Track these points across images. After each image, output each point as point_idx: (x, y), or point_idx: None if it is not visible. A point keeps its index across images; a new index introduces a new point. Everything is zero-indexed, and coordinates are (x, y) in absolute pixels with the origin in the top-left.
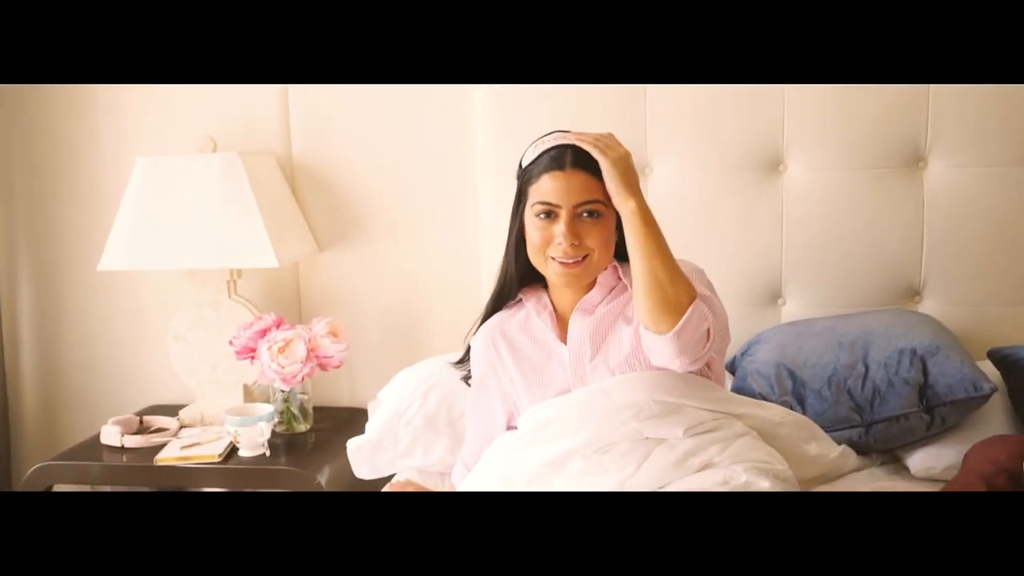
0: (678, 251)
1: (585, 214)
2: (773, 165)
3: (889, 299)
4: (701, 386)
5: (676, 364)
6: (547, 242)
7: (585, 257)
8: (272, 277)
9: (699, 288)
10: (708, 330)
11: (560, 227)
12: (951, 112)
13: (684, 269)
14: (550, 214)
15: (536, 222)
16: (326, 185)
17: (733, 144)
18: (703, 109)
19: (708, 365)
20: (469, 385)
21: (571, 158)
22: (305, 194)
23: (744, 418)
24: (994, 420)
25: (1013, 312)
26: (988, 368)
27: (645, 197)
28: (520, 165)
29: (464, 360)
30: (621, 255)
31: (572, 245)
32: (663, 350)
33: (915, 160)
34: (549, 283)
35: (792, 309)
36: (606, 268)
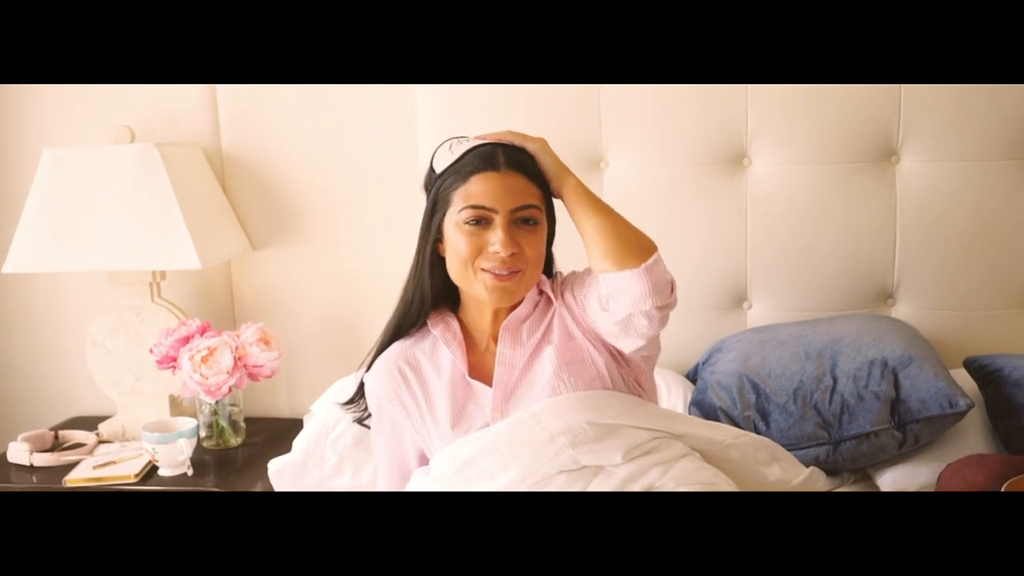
0: None
1: (521, 221)
2: (737, 159)
3: (861, 303)
4: (636, 404)
5: (648, 304)
6: (478, 252)
7: (519, 271)
8: (201, 278)
9: None
10: (671, 283)
11: (497, 234)
12: (925, 104)
13: None
14: (481, 220)
15: (464, 229)
16: (260, 179)
17: (694, 136)
18: (663, 99)
19: (638, 381)
20: (366, 426)
21: (504, 158)
22: (237, 189)
23: (685, 438)
24: (970, 436)
25: (990, 316)
26: (963, 378)
27: (600, 192)
28: (431, 170)
29: (356, 399)
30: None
31: (512, 255)
32: (633, 288)
33: (887, 155)
34: (466, 304)
35: (758, 313)
36: (535, 283)
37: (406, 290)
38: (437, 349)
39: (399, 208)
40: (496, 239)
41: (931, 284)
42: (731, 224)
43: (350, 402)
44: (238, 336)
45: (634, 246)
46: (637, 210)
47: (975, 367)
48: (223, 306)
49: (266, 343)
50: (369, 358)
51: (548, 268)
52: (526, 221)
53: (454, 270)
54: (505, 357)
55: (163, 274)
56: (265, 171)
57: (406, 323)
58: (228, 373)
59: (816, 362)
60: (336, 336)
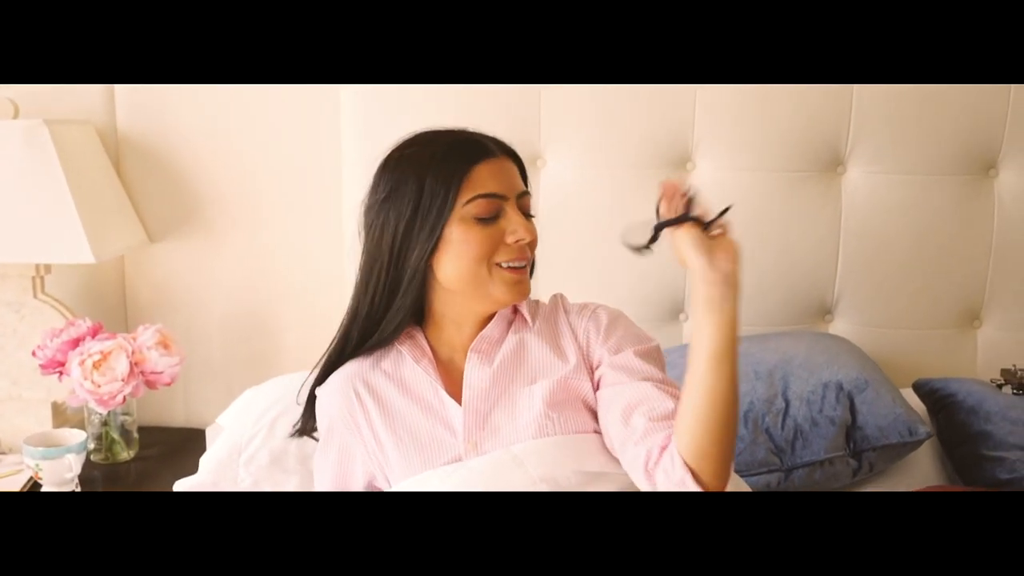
0: (571, 254)
1: (524, 210)
2: (681, 163)
3: (798, 318)
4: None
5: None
6: (495, 247)
7: (528, 263)
8: (90, 273)
9: (659, 372)
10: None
11: (514, 220)
12: (875, 114)
13: (640, 347)
14: (494, 212)
15: (475, 225)
16: (159, 163)
17: (637, 137)
18: (607, 96)
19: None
20: (314, 439)
21: (496, 146)
22: (133, 174)
23: None
24: (922, 465)
25: (931, 335)
26: (912, 401)
27: (536, 192)
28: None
29: (305, 428)
30: None
31: (532, 242)
32: (672, 479)
33: (834, 164)
34: (439, 319)
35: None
36: None
37: (373, 307)
38: (402, 365)
39: (318, 202)
40: (515, 226)
41: (871, 300)
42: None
43: (299, 432)
44: (135, 339)
45: (729, 456)
46: (574, 213)
47: (926, 391)
48: (114, 304)
49: (166, 347)
50: (317, 370)
51: None
52: (526, 211)
53: (460, 274)
54: (473, 380)
55: (47, 267)
56: (165, 154)
57: (371, 343)
58: (123, 380)
59: (767, 383)
60: (239, 340)
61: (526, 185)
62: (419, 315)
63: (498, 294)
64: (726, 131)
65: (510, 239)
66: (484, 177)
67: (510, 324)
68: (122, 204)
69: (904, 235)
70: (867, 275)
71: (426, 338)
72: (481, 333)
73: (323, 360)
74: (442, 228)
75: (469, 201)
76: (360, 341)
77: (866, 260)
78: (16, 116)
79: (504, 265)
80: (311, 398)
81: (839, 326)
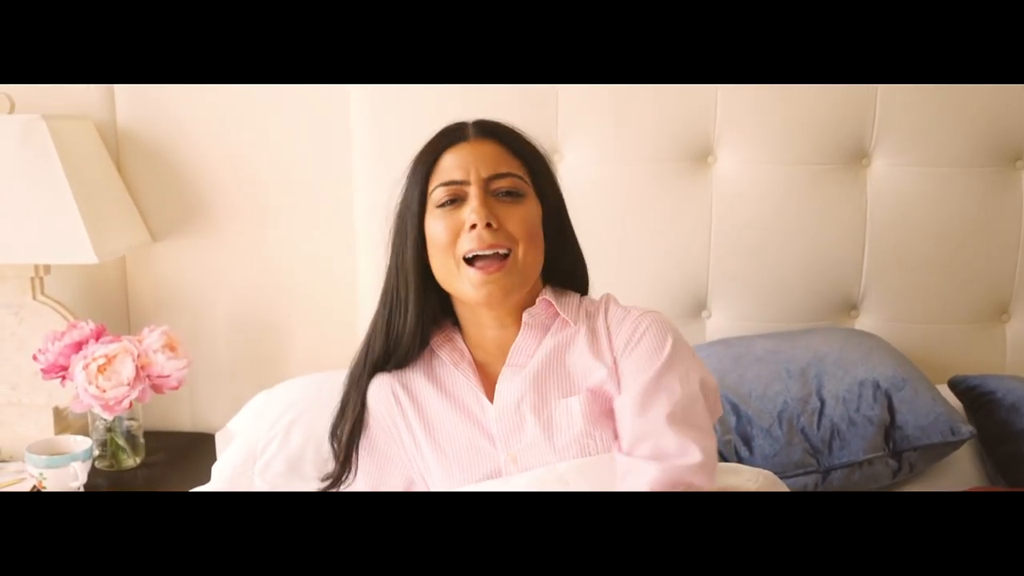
0: (588, 251)
1: (502, 193)
2: (701, 156)
3: (823, 313)
4: None
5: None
6: (455, 235)
7: (508, 254)
8: (91, 273)
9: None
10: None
11: (471, 204)
12: (901, 104)
13: (673, 409)
14: (455, 199)
15: (437, 213)
16: (162, 160)
17: (657, 130)
18: (624, 89)
19: None
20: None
21: (473, 129)
22: (134, 171)
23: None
24: (962, 464)
25: (961, 330)
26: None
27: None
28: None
29: (341, 476)
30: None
31: (487, 227)
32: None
33: (858, 157)
34: (464, 317)
35: (718, 323)
36: (536, 275)
37: (392, 319)
38: (441, 368)
39: (327, 200)
40: (470, 209)
41: (897, 295)
42: (693, 226)
43: (333, 481)
44: (140, 342)
45: None
46: (591, 209)
47: (962, 388)
48: (116, 306)
49: (172, 349)
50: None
51: (576, 282)
52: (508, 193)
53: (438, 268)
54: (504, 390)
55: (47, 268)
56: (167, 150)
57: (398, 357)
58: (129, 385)
59: (800, 382)
60: (246, 342)
61: (528, 163)
62: (455, 316)
63: (468, 293)
64: (748, 123)
65: (466, 224)
66: (448, 164)
67: (547, 328)
68: (123, 202)
69: (931, 228)
70: (893, 269)
71: (465, 340)
72: (514, 345)
73: (347, 375)
74: (420, 224)
75: (434, 191)
76: (384, 356)
77: (892, 254)
78: (12, 111)
79: (469, 258)
80: (345, 459)
81: (865, 321)
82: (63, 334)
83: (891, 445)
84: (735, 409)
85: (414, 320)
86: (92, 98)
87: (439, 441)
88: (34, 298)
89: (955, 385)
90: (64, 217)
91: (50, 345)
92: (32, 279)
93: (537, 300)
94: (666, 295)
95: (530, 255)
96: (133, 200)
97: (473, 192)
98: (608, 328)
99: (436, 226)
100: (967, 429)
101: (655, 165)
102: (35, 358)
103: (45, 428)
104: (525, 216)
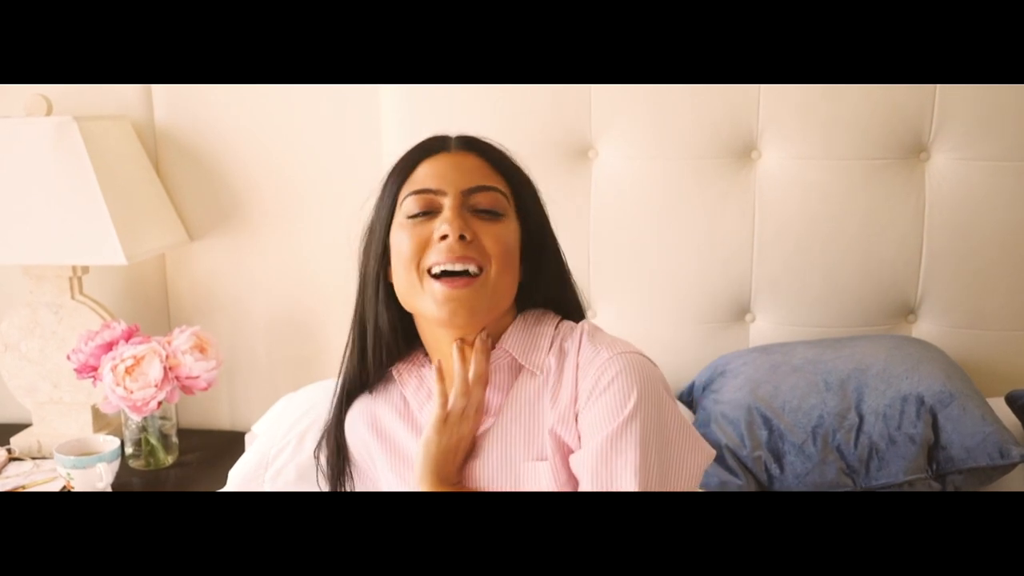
0: (625, 252)
1: (480, 210)
2: (745, 152)
3: (878, 318)
4: None
5: None
6: (423, 246)
7: (480, 273)
8: (130, 273)
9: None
10: None
11: (444, 215)
12: (961, 94)
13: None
14: (428, 211)
15: (406, 224)
16: (199, 159)
17: (696, 124)
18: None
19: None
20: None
21: (456, 142)
22: (172, 171)
23: None
24: (1013, 487)
25: None
26: (1002, 412)
27: (588, 185)
28: (383, 185)
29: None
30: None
31: (460, 240)
32: None
33: (916, 150)
34: (428, 344)
35: (762, 327)
36: (509, 301)
37: (360, 338)
38: (407, 404)
39: (360, 200)
40: (442, 220)
41: (958, 300)
42: (736, 225)
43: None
44: (169, 343)
45: None
46: (630, 207)
47: (1021, 404)
48: (156, 305)
49: (202, 351)
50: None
51: (563, 307)
52: (487, 211)
53: (399, 283)
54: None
55: (85, 268)
56: (206, 150)
57: (367, 382)
58: (156, 386)
59: (838, 395)
60: (283, 340)
61: (511, 181)
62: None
63: (430, 310)
64: (794, 116)
65: (436, 236)
66: (425, 173)
67: (517, 372)
68: (161, 201)
69: (996, 228)
70: (954, 272)
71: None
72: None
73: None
74: (387, 236)
75: (404, 199)
76: (356, 380)
77: (953, 255)
78: (49, 113)
79: (434, 272)
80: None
81: (923, 328)
82: (96, 334)
83: (934, 467)
84: (767, 423)
85: (377, 344)
86: (131, 98)
87: (406, 479)
88: (72, 298)
89: (1013, 401)
90: (95, 218)
91: (83, 345)
92: (71, 279)
93: (497, 346)
94: (707, 298)
95: (504, 278)
96: (171, 200)
97: (448, 203)
98: (577, 369)
99: (401, 237)
100: (1018, 452)
101: (694, 161)
102: (68, 358)
103: (84, 426)
104: (502, 235)
